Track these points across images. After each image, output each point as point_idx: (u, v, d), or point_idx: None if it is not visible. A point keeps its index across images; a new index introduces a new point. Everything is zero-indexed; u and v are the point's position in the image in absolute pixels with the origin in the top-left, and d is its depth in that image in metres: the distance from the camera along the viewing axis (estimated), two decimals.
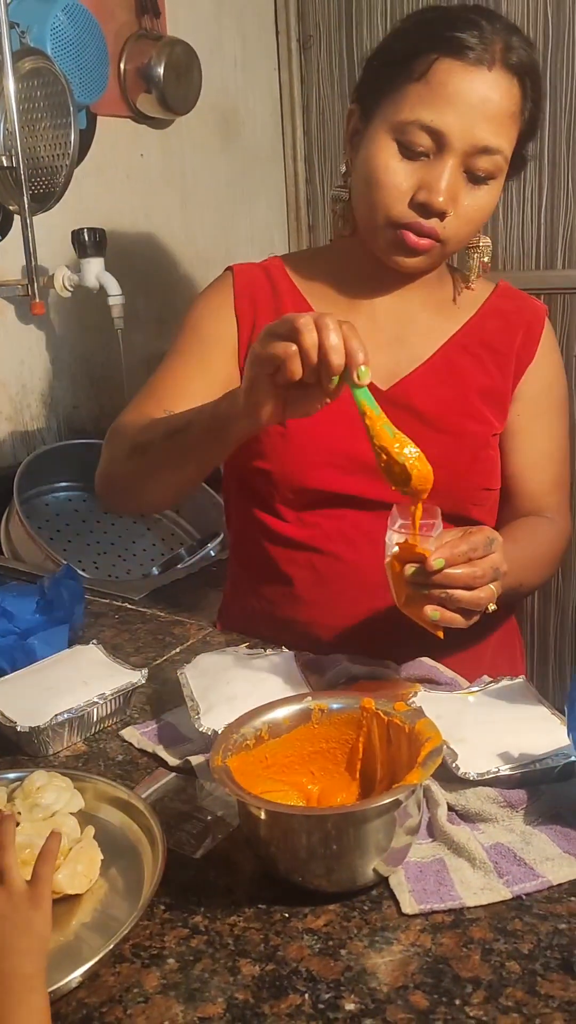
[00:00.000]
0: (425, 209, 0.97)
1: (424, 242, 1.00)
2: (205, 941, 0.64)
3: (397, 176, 0.98)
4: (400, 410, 1.05)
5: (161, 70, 1.84)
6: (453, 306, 1.13)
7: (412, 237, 0.99)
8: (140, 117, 1.92)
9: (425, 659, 1.00)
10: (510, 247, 2.18)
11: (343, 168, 1.10)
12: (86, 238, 1.62)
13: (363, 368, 0.78)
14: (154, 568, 1.64)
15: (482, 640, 1.15)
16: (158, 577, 1.53)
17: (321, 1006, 0.58)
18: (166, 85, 1.85)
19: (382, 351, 1.09)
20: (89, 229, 1.63)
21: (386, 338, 1.10)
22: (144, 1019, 0.58)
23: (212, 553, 1.59)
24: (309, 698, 0.79)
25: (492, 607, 0.86)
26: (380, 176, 0.98)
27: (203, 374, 1.09)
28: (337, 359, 0.77)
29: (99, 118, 1.83)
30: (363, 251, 1.08)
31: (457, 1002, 0.58)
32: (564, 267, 2.12)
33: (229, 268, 1.15)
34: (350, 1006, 0.58)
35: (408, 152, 0.97)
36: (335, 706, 0.78)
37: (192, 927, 0.66)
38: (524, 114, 0.99)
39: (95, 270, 1.63)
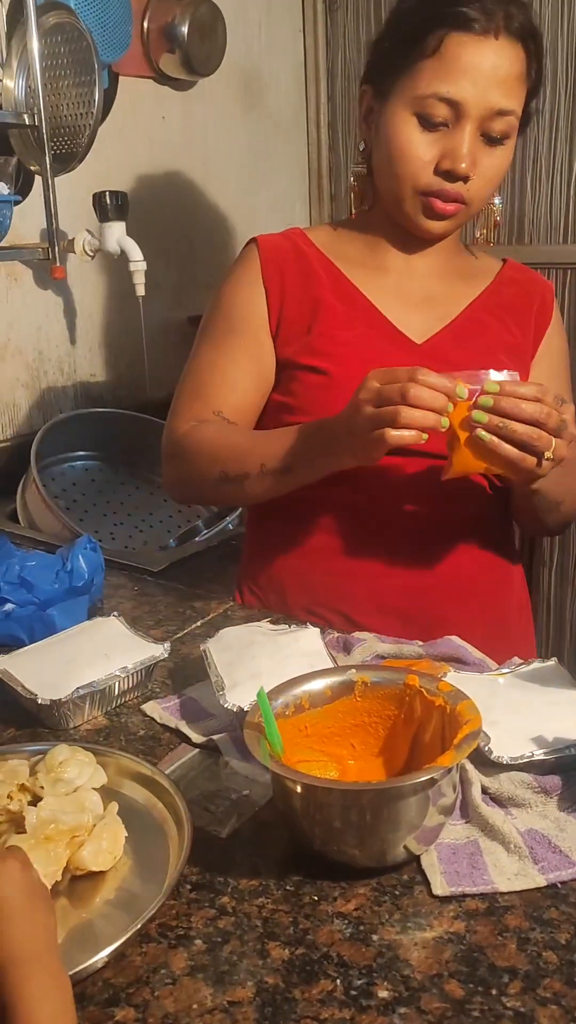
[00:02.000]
0: (450, 175, 1.04)
1: (451, 206, 1.06)
2: (233, 923, 0.63)
3: (420, 148, 1.03)
4: (436, 362, 1.08)
5: (185, 29, 1.79)
6: (471, 275, 1.19)
7: (439, 203, 1.05)
8: (163, 78, 1.87)
9: (453, 637, 0.98)
10: (537, 220, 2.13)
11: (361, 146, 1.14)
12: (108, 201, 1.58)
13: (460, 387, 0.88)
14: (171, 540, 1.62)
15: (501, 618, 1.15)
16: (176, 549, 1.51)
17: (354, 992, 0.57)
18: (190, 45, 1.81)
19: (413, 310, 1.14)
20: (111, 192, 1.59)
21: (416, 300, 1.15)
22: (172, 1001, 0.57)
23: (230, 526, 1.56)
24: (353, 670, 0.78)
25: (549, 456, 0.90)
26: (404, 149, 1.04)
27: (244, 363, 1.12)
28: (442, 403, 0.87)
29: (121, 78, 1.79)
30: (385, 221, 1.13)
31: (494, 992, 0.56)
32: None
33: (253, 240, 1.17)
34: (383, 993, 0.57)
35: (428, 124, 1.02)
36: (379, 680, 0.76)
37: (219, 908, 0.64)
38: (531, 74, 1.04)
39: (116, 234, 1.60)
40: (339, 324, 1.11)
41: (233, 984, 0.58)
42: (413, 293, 1.15)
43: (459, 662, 0.94)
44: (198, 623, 1.09)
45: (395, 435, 0.86)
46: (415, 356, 1.11)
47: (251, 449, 1.03)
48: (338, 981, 0.58)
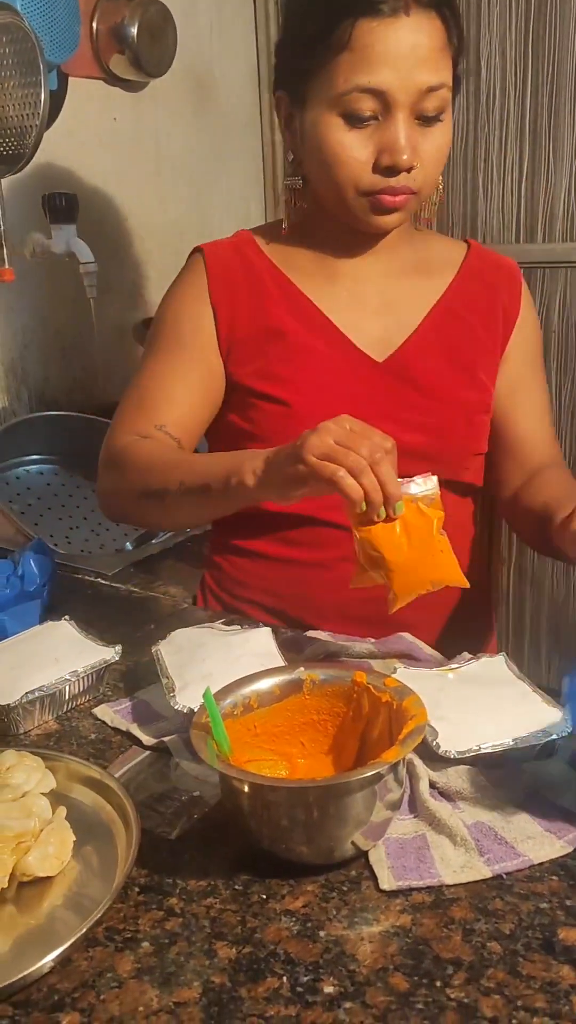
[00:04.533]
0: (392, 170, 0.97)
1: (400, 199, 1.00)
2: (180, 923, 0.63)
3: (354, 149, 0.97)
4: (399, 381, 1.08)
5: (135, 30, 1.78)
6: (431, 269, 1.13)
7: (388, 198, 1.00)
8: (113, 79, 1.86)
9: (404, 634, 0.98)
10: (490, 220, 2.15)
11: (290, 156, 1.08)
12: (58, 203, 1.57)
13: (399, 503, 0.79)
14: (128, 543, 1.62)
15: (451, 615, 1.15)
16: (132, 552, 1.50)
17: (300, 989, 0.57)
18: (140, 46, 1.80)
19: (371, 320, 1.09)
20: (61, 194, 1.58)
21: (373, 307, 1.10)
22: (118, 1004, 0.56)
23: (187, 529, 1.56)
24: (301, 668, 0.78)
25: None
26: (337, 153, 0.98)
27: (189, 379, 1.08)
28: (377, 498, 0.78)
29: (71, 80, 1.77)
30: (328, 223, 1.08)
31: (438, 984, 0.57)
32: (544, 240, 2.10)
33: (198, 250, 1.12)
34: (329, 989, 0.57)
35: (355, 121, 0.96)
36: (326, 677, 0.77)
37: (167, 909, 0.64)
38: (452, 41, 0.98)
39: (66, 236, 1.59)
40: (295, 347, 1.07)
41: (179, 985, 0.58)
42: (369, 299, 1.10)
43: (410, 658, 0.95)
44: (151, 626, 1.08)
45: (349, 483, 0.78)
46: (376, 376, 1.07)
47: (177, 465, 0.99)
48: (284, 978, 0.58)
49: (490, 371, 1.12)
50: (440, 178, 1.07)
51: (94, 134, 1.87)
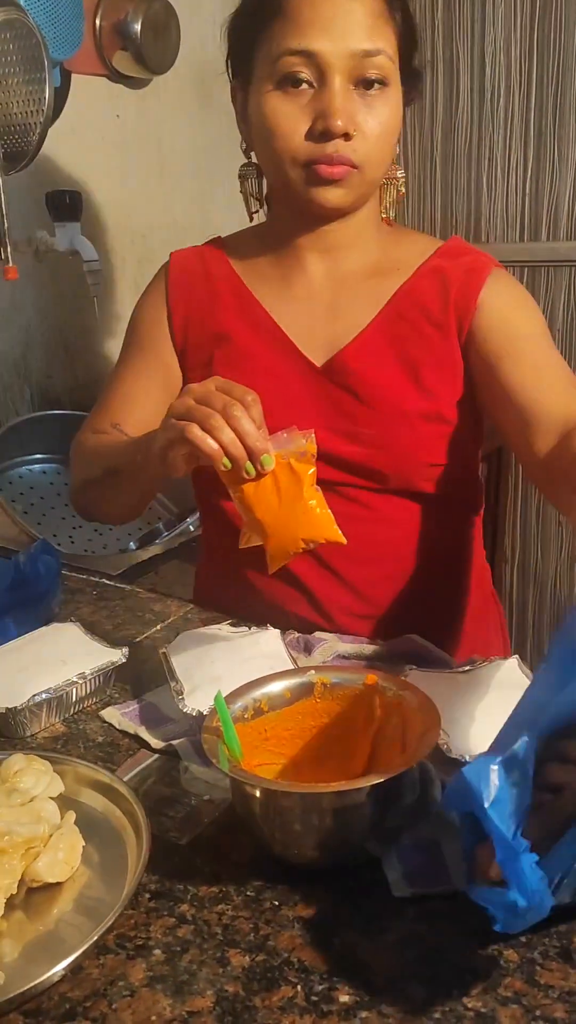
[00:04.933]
0: (326, 135, 0.94)
1: (338, 169, 0.96)
2: (193, 931, 0.62)
3: (290, 118, 0.95)
4: (336, 388, 1.03)
5: (138, 27, 1.77)
6: (388, 270, 1.07)
7: (325, 168, 0.95)
8: (116, 76, 1.86)
9: (414, 636, 0.98)
10: (494, 218, 2.15)
11: (243, 146, 1.07)
12: (61, 201, 1.56)
13: (266, 457, 0.78)
14: (131, 543, 1.61)
15: (460, 615, 1.14)
16: (136, 552, 1.49)
17: (315, 998, 0.56)
18: (143, 42, 1.79)
19: (318, 323, 1.06)
20: (64, 191, 1.57)
21: (322, 309, 1.06)
22: (130, 1013, 0.56)
23: (191, 528, 1.55)
24: (312, 671, 0.77)
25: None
26: (273, 122, 0.96)
27: (144, 379, 1.12)
28: (238, 453, 0.77)
29: (74, 76, 1.76)
30: (286, 217, 1.05)
31: (455, 992, 0.56)
32: (548, 239, 2.09)
33: (172, 255, 1.15)
34: (344, 998, 0.56)
35: (291, 84, 0.94)
36: (338, 680, 0.76)
37: (179, 916, 0.63)
38: (395, 16, 0.96)
39: (70, 234, 1.58)
40: (241, 353, 1.06)
41: (192, 994, 0.57)
42: (318, 303, 1.06)
43: (420, 660, 0.94)
44: (158, 627, 1.08)
45: (201, 438, 0.77)
46: (315, 381, 1.04)
47: (107, 451, 1.03)
48: (299, 987, 0.57)
49: (444, 375, 1.04)
50: (398, 169, 1.05)
51: (98, 131, 1.86)
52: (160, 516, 1.71)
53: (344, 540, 0.82)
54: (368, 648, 0.97)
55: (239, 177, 1.09)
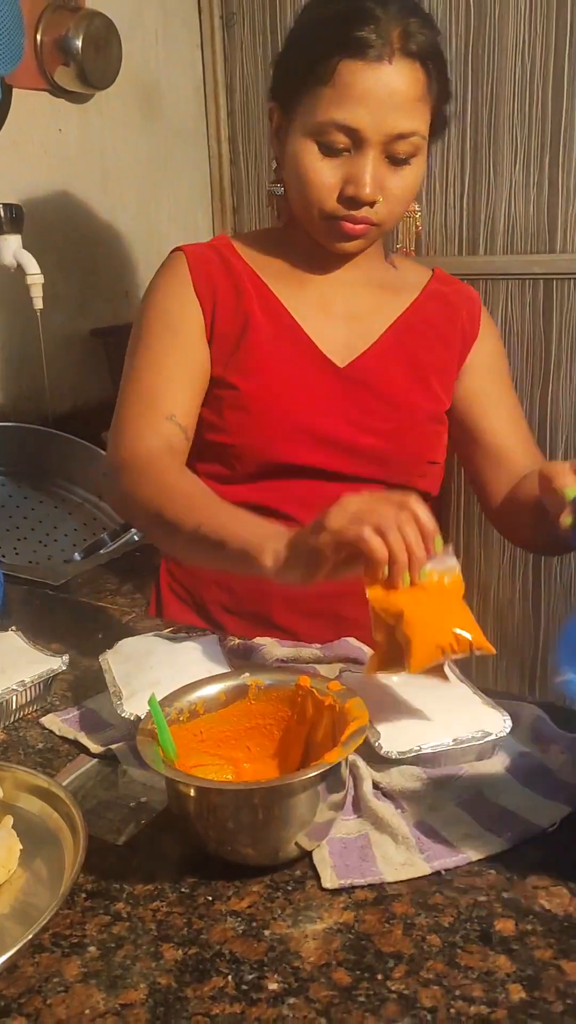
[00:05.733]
0: (354, 202, 1.03)
1: (360, 228, 1.06)
2: (127, 927, 0.63)
3: (323, 175, 1.03)
4: (358, 386, 1.13)
5: (79, 43, 1.79)
6: (396, 287, 1.19)
7: (348, 226, 1.06)
8: (58, 91, 1.86)
9: (350, 639, 1.00)
10: (433, 234, 2.19)
11: (275, 164, 1.15)
12: (2, 214, 1.57)
13: (424, 569, 0.76)
14: (76, 554, 1.61)
15: None
16: (81, 563, 1.50)
17: (244, 987, 0.58)
18: (85, 58, 1.80)
19: (337, 327, 1.15)
20: (6, 204, 1.58)
21: (340, 314, 1.15)
22: (64, 1008, 0.57)
23: (136, 538, 1.56)
24: (247, 674, 0.79)
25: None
26: (308, 175, 1.04)
27: (186, 364, 1.10)
28: (403, 559, 0.75)
29: (15, 91, 1.77)
30: (305, 234, 1.14)
31: (379, 977, 0.59)
32: (485, 253, 2.15)
33: (178, 249, 1.17)
34: (273, 986, 0.58)
35: (329, 151, 1.02)
36: (272, 682, 0.78)
37: (114, 914, 0.65)
38: (432, 92, 1.04)
39: (12, 247, 1.58)
40: (263, 344, 1.11)
41: (126, 987, 0.58)
42: (336, 307, 1.15)
43: (356, 663, 0.97)
44: (99, 635, 1.09)
45: (376, 541, 0.75)
46: (336, 380, 1.12)
47: (198, 506, 0.93)
48: (229, 977, 0.59)
49: (446, 384, 1.18)
50: (417, 208, 1.14)
51: (39, 145, 1.87)
52: (105, 527, 1.72)
53: (493, 650, 0.77)
54: (306, 651, 0.99)
55: (269, 193, 1.16)
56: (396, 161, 1.03)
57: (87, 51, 1.80)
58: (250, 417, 1.10)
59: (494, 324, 1.25)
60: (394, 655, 0.78)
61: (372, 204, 1.04)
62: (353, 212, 1.04)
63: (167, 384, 1.08)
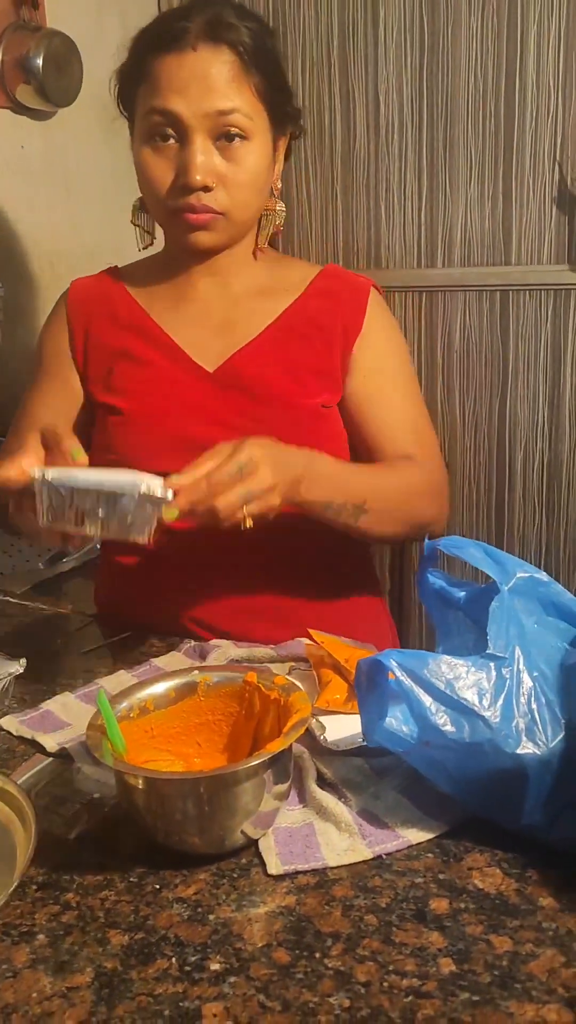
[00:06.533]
0: (186, 189, 1.06)
1: (203, 217, 1.08)
2: (76, 916, 0.65)
3: (158, 169, 1.08)
4: (230, 389, 1.15)
5: (40, 61, 1.81)
6: (277, 291, 1.19)
7: (192, 216, 1.08)
8: (19, 108, 1.89)
9: (303, 639, 1.03)
10: (392, 246, 2.24)
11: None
12: None
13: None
14: (40, 563, 1.63)
15: (348, 616, 1.20)
16: (40, 571, 1.52)
17: (187, 968, 0.60)
18: (45, 77, 1.83)
19: (212, 335, 1.17)
20: None
21: (215, 323, 1.18)
22: (12, 993, 0.59)
23: (98, 547, 1.58)
24: (196, 671, 0.81)
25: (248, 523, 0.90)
26: (145, 173, 1.09)
27: (50, 400, 1.20)
28: None
29: None
30: (178, 251, 1.16)
31: (317, 955, 0.61)
32: (443, 265, 2.19)
33: (72, 283, 1.25)
34: (215, 966, 0.60)
35: (158, 139, 1.06)
36: (220, 679, 0.80)
37: (63, 904, 0.67)
38: (252, 76, 1.06)
39: None
40: (137, 363, 1.16)
41: (72, 971, 0.60)
42: (212, 319, 1.18)
43: (307, 662, 1.00)
44: (59, 641, 1.11)
45: None
46: (209, 385, 1.14)
47: None
48: (173, 959, 0.61)
49: (329, 382, 1.16)
50: (277, 203, 1.15)
51: (2, 161, 1.89)
52: None
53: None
54: (259, 651, 1.01)
55: (132, 210, 1.20)
56: (228, 139, 1.05)
57: (48, 70, 1.83)
58: (135, 434, 1.13)
59: (387, 314, 1.22)
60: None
61: (207, 190, 1.05)
62: (191, 201, 1.06)
63: (29, 420, 1.19)
